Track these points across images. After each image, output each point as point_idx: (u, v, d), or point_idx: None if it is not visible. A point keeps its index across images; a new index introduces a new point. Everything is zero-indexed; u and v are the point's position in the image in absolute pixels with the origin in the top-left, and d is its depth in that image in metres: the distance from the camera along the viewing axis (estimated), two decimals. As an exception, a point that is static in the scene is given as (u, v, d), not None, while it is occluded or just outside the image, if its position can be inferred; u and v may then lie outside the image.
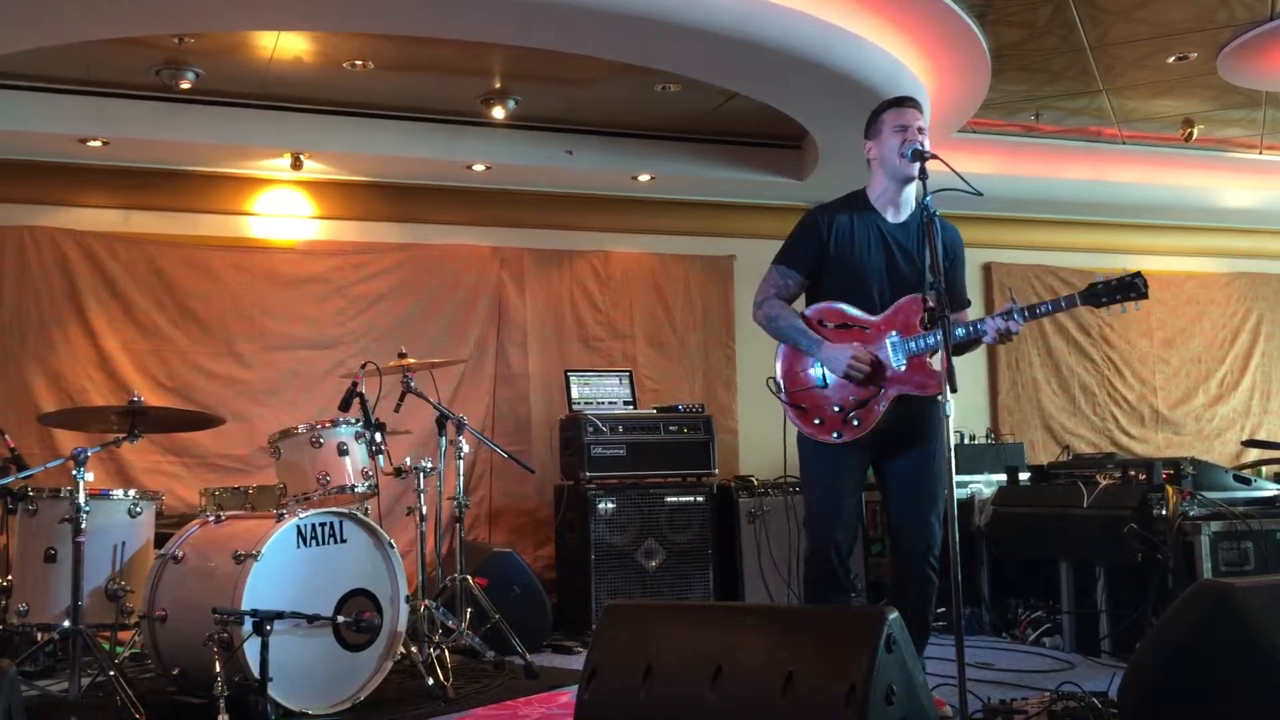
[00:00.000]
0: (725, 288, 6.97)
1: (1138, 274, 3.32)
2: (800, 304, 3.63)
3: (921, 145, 3.39)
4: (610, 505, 5.60)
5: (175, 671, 3.82)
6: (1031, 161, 6.89)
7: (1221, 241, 8.26)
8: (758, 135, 6.53)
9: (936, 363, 3.32)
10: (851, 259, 3.50)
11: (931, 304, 3.24)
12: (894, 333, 3.42)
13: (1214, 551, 4.39)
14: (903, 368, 3.40)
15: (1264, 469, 6.44)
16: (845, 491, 3.48)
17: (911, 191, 3.56)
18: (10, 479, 4.08)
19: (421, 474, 4.58)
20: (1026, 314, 3.36)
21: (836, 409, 3.44)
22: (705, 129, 6.43)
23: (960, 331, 3.38)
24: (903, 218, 3.56)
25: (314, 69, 5.40)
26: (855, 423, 3.42)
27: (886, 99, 3.65)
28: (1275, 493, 4.88)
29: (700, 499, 5.76)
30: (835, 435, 3.44)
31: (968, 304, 3.66)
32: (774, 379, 3.56)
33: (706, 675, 2.47)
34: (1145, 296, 3.32)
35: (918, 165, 3.32)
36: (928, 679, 2.59)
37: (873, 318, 3.47)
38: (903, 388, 3.40)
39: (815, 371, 3.48)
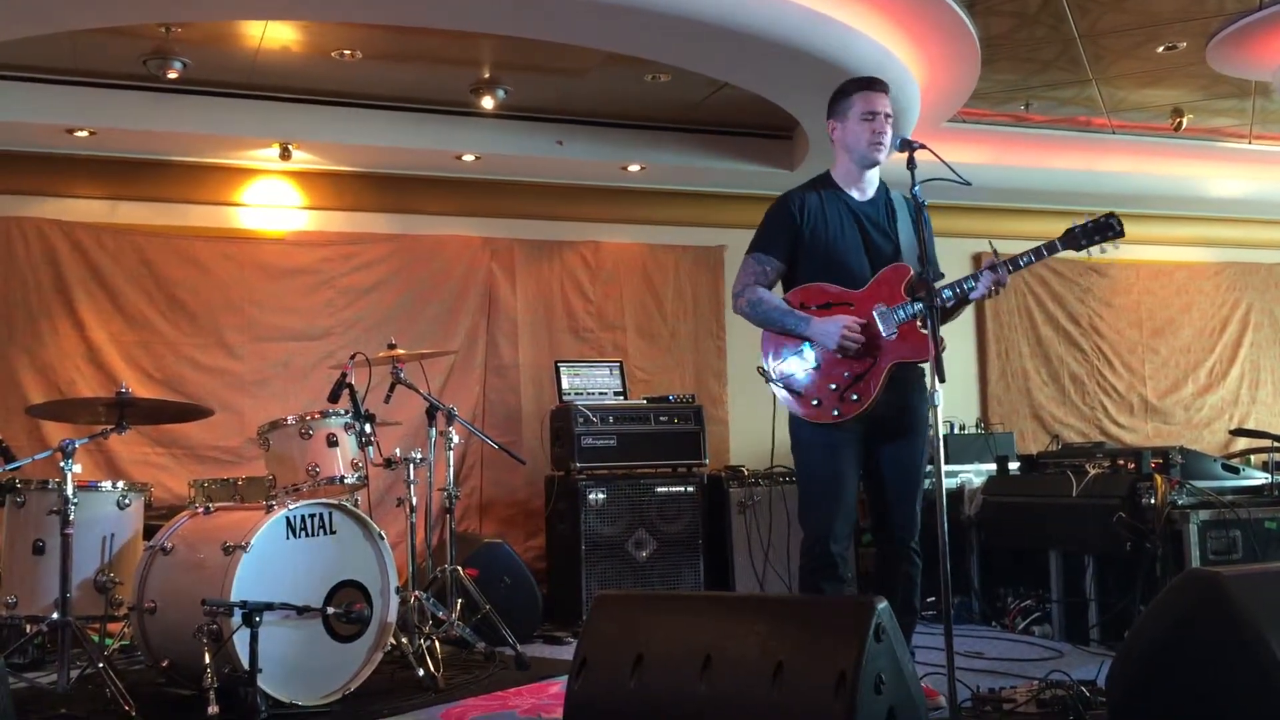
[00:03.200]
0: (715, 278, 6.96)
1: (1111, 214, 3.34)
2: (778, 292, 3.60)
3: (889, 134, 3.41)
4: (601, 496, 5.59)
5: (165, 663, 3.81)
6: (1021, 151, 6.89)
7: (1211, 231, 8.27)
8: (748, 125, 6.52)
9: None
10: (826, 239, 3.49)
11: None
12: (880, 303, 3.41)
13: (1202, 540, 4.41)
14: (894, 336, 3.38)
15: (1252, 458, 6.47)
16: (846, 479, 3.43)
17: (875, 174, 3.57)
18: (-2, 471, 4.07)
19: (411, 465, 4.56)
20: (1010, 266, 3.36)
21: (833, 387, 3.39)
22: (695, 119, 6.42)
23: (947, 293, 3.37)
24: (869, 195, 3.57)
25: (302, 59, 5.38)
26: (854, 398, 3.37)
27: (853, 78, 3.61)
28: (1263, 481, 4.90)
29: (690, 489, 5.76)
30: (835, 413, 3.39)
31: (942, 275, 3.64)
32: (764, 365, 3.51)
33: (696, 665, 2.47)
34: (1122, 235, 3.33)
35: (906, 155, 3.29)
36: (917, 668, 2.59)
37: (855, 291, 3.45)
38: (898, 356, 3.38)
39: (806, 352, 3.43)
